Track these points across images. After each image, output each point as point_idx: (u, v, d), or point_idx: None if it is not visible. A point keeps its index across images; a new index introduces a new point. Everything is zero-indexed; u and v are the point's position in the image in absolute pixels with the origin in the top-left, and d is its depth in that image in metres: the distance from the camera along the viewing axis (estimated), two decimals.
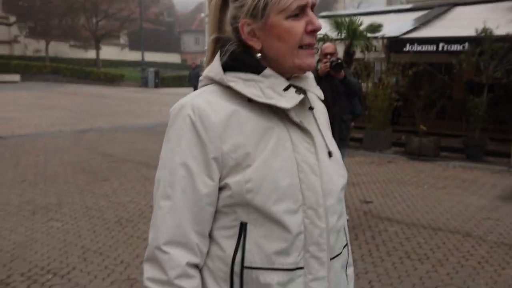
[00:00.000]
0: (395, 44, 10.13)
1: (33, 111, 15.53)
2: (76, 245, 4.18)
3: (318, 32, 1.06)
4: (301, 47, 1.02)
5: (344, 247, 1.16)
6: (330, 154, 1.11)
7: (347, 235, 1.21)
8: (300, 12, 1.00)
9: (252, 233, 1.00)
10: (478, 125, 8.43)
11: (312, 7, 1.03)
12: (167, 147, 1.02)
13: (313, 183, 1.03)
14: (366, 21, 10.19)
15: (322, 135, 1.13)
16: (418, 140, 8.83)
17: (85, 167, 7.40)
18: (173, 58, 52.27)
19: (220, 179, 1.00)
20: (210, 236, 1.03)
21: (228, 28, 1.07)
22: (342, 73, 4.43)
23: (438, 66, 10.36)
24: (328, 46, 4.59)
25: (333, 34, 10.02)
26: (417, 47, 9.67)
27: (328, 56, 4.48)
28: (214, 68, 1.05)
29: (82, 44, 40.02)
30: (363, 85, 9.03)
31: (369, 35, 10.07)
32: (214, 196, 1.00)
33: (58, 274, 3.59)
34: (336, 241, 1.10)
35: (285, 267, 1.01)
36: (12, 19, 37.37)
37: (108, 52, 42.74)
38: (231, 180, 0.99)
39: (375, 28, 10.17)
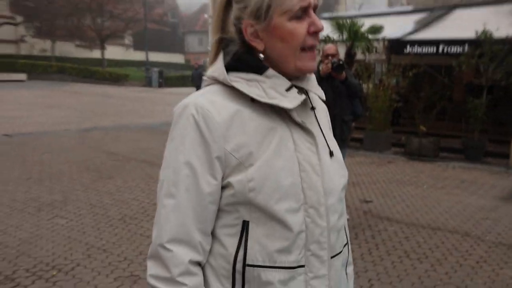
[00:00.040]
0: (396, 45, 10.14)
1: (38, 110, 15.54)
2: (80, 241, 4.21)
3: (320, 34, 1.07)
4: (303, 49, 1.03)
5: (345, 246, 1.17)
6: (331, 154, 1.12)
7: (348, 234, 1.22)
8: (302, 13, 1.01)
9: (254, 232, 1.01)
10: (478, 127, 8.44)
11: (314, 8, 1.03)
12: (171, 146, 1.02)
13: (315, 182, 1.04)
14: (367, 23, 10.22)
15: (324, 135, 1.13)
16: (418, 140, 8.83)
17: (89, 165, 7.42)
18: (177, 58, 52.31)
19: (223, 178, 1.01)
20: (213, 234, 1.04)
21: (231, 28, 1.07)
22: (344, 74, 4.45)
23: (438, 68, 10.38)
24: (329, 47, 4.59)
25: (334, 35, 10.07)
26: (417, 49, 9.67)
27: (330, 57, 4.48)
28: (217, 68, 1.06)
29: (87, 44, 40.16)
30: (364, 86, 9.04)
31: (370, 36, 10.11)
32: (217, 195, 1.01)
33: (63, 270, 3.62)
34: (336, 239, 1.11)
35: (286, 265, 1.02)
36: (19, 19, 37.37)
37: (113, 52, 42.78)
38: (234, 179, 1.00)
39: (376, 30, 10.20)
